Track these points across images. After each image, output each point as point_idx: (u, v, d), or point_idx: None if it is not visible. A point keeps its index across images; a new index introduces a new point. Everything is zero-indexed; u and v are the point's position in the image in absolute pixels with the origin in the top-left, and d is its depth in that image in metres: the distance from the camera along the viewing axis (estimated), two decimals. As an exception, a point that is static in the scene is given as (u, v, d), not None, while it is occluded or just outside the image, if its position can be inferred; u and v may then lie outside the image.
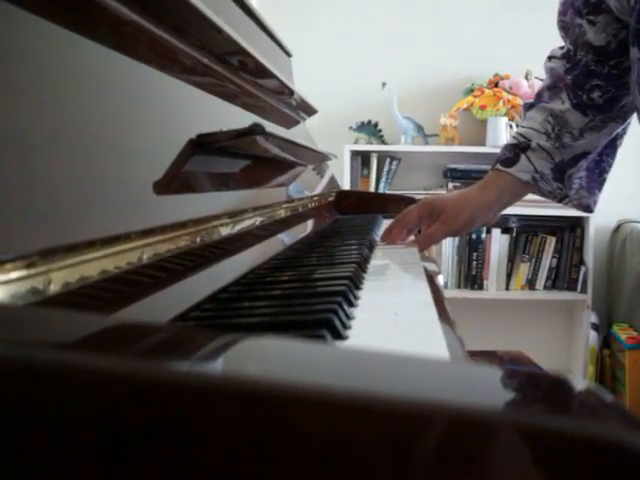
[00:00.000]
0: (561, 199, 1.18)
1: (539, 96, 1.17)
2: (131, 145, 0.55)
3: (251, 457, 0.20)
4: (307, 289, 0.62)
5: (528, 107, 1.18)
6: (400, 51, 3.20)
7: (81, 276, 0.39)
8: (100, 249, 0.42)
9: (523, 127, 1.16)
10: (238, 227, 0.74)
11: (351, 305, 0.58)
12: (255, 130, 0.65)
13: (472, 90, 3.09)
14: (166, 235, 0.53)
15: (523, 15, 3.08)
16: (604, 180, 1.18)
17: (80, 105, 0.49)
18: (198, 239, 0.60)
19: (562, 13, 1.12)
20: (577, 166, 1.13)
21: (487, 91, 3.05)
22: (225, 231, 0.69)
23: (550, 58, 1.18)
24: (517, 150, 1.13)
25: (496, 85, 3.08)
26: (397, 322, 0.54)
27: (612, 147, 1.17)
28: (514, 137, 1.16)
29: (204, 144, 0.67)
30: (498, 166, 1.14)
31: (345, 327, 0.50)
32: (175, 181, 0.60)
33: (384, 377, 0.23)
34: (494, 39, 3.15)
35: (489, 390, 0.24)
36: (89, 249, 0.41)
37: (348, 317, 0.53)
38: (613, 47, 1.04)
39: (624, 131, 1.15)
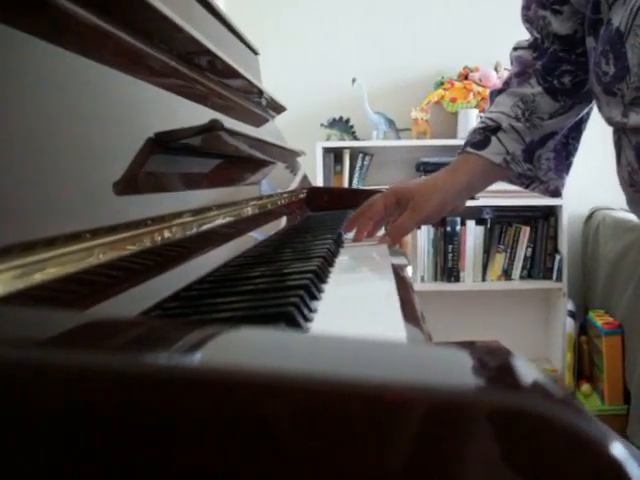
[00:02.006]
0: (528, 184, 1.18)
1: (507, 83, 1.16)
2: (92, 145, 0.55)
3: (228, 444, 0.20)
4: (271, 284, 0.62)
5: (496, 93, 1.17)
6: (369, 47, 3.20)
7: (33, 277, 0.39)
8: (55, 248, 0.42)
9: (492, 112, 1.15)
10: (203, 225, 0.74)
11: (314, 298, 0.58)
12: (214, 126, 0.64)
13: (442, 83, 3.10)
14: (124, 234, 0.52)
15: (491, 7, 3.10)
16: (571, 163, 1.19)
17: (38, 105, 0.48)
18: (159, 238, 0.59)
19: (526, 8, 1.12)
20: (546, 146, 1.13)
21: (457, 84, 3.06)
22: (189, 229, 0.69)
23: (516, 49, 1.18)
24: (487, 133, 1.11)
25: (466, 78, 3.09)
26: (360, 314, 0.55)
27: (577, 131, 1.18)
28: (482, 121, 1.15)
29: (164, 142, 0.67)
30: (469, 149, 1.13)
31: (307, 320, 0.50)
32: (134, 179, 0.60)
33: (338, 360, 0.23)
34: (462, 32, 3.16)
35: (440, 370, 0.24)
36: (44, 248, 0.41)
37: (310, 310, 0.53)
38: (580, 35, 1.04)
39: (588, 115, 1.16)
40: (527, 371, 0.23)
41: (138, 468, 0.20)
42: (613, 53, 0.89)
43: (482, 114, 2.96)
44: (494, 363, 0.25)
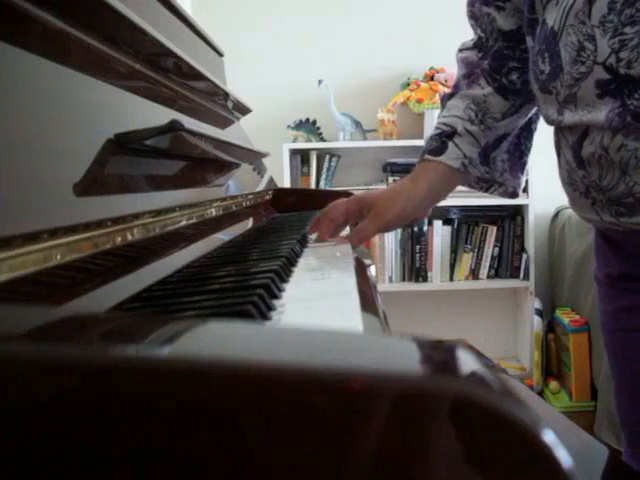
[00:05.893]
0: (487, 187, 1.20)
1: (456, 86, 1.17)
2: (51, 145, 0.54)
3: (195, 430, 0.21)
4: (231, 284, 0.62)
5: (448, 97, 1.17)
6: (335, 48, 3.21)
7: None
8: (12, 249, 0.42)
9: (445, 117, 1.15)
10: (165, 226, 0.74)
11: (274, 297, 0.58)
12: (173, 127, 0.64)
13: (408, 84, 3.12)
14: (83, 234, 0.52)
15: (456, 8, 3.11)
16: (525, 163, 1.20)
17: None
18: (119, 239, 0.59)
19: (470, 4, 1.13)
20: (499, 148, 1.14)
21: (423, 84, 3.08)
22: (151, 230, 0.69)
23: (461, 50, 1.18)
24: (444, 138, 1.12)
25: (432, 78, 3.11)
26: (319, 311, 0.55)
27: (528, 130, 1.19)
28: (437, 127, 1.15)
29: (124, 143, 0.67)
30: (427, 156, 1.13)
31: (266, 318, 0.51)
32: (94, 180, 0.60)
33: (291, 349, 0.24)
34: (428, 33, 3.18)
35: (389, 358, 0.25)
36: (0, 249, 0.41)
37: (270, 308, 0.54)
38: (524, 31, 1.06)
39: (537, 115, 1.17)
40: (469, 362, 0.24)
41: (110, 452, 0.21)
42: (548, 52, 0.91)
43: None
44: (440, 354, 0.26)
